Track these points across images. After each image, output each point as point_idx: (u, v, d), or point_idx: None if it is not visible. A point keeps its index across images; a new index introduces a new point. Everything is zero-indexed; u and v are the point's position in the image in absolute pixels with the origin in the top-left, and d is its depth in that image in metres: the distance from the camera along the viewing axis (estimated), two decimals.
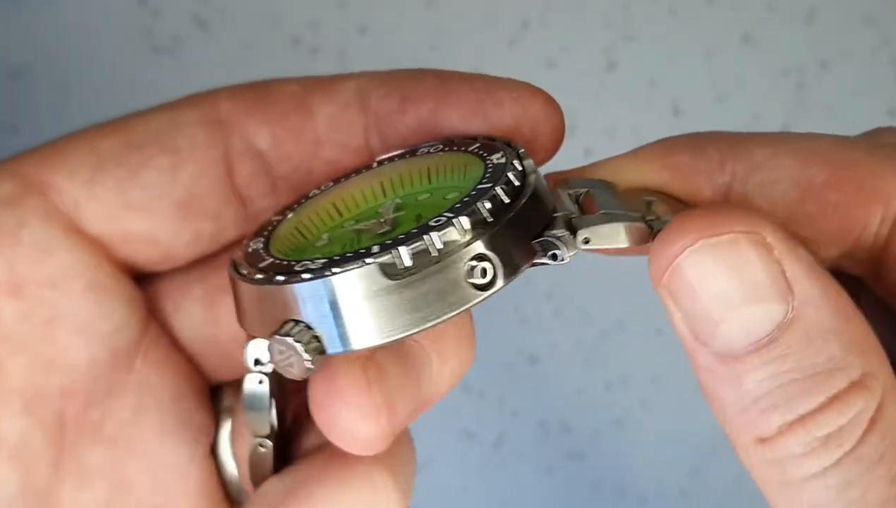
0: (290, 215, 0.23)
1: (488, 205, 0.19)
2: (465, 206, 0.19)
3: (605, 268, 0.51)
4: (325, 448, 0.23)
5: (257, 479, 0.23)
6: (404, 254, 0.18)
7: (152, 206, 0.23)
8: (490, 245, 0.19)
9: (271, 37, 0.50)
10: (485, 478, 0.58)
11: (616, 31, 0.51)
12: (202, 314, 0.25)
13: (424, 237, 0.19)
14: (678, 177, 0.23)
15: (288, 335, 0.19)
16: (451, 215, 0.19)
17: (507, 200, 0.20)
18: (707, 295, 0.19)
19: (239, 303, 0.21)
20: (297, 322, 0.19)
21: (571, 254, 0.20)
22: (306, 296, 0.19)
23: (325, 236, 0.22)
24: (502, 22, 0.50)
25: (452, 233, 0.19)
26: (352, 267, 0.19)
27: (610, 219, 0.20)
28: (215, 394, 0.26)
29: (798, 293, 0.18)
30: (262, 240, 0.22)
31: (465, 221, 0.19)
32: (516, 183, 0.20)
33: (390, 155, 0.24)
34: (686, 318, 0.19)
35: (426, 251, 0.19)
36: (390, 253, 0.19)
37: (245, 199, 0.24)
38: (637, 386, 0.57)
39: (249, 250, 0.21)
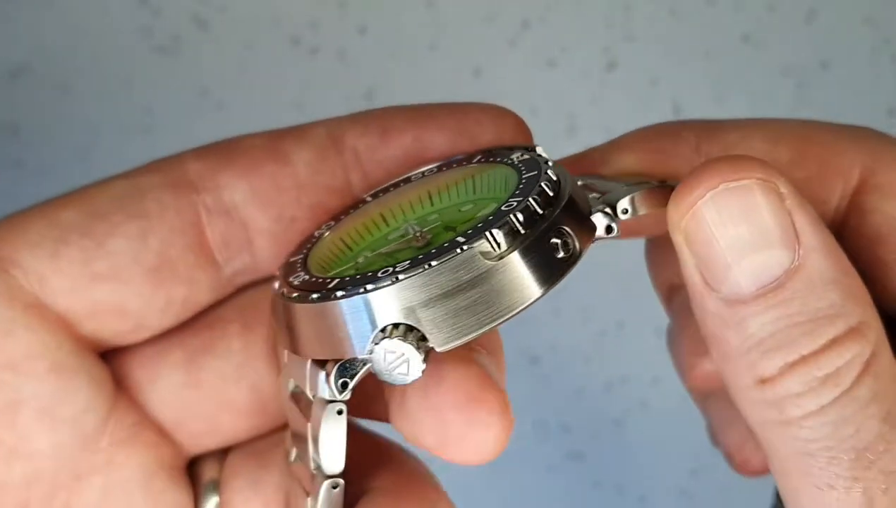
0: (308, 253, 0.22)
1: (549, 185, 0.20)
2: (526, 191, 0.20)
3: (605, 269, 0.51)
4: (379, 488, 0.22)
5: None
6: (498, 235, 0.19)
7: (122, 275, 0.23)
8: (565, 221, 0.20)
9: (271, 37, 0.50)
10: (485, 478, 0.58)
11: (616, 31, 0.51)
12: (182, 378, 0.24)
13: (508, 218, 0.19)
14: (659, 160, 0.25)
15: (395, 338, 0.18)
16: (519, 198, 0.20)
17: (557, 181, 0.20)
18: (722, 239, 0.20)
19: (301, 331, 0.20)
20: (395, 325, 0.18)
21: (618, 226, 0.21)
22: (405, 295, 0.18)
23: (355, 263, 0.22)
24: (502, 22, 0.50)
25: (530, 212, 0.19)
26: (449, 256, 0.18)
27: (634, 189, 0.21)
28: (194, 468, 0.25)
29: (804, 242, 0.20)
30: (304, 273, 0.21)
31: (538, 199, 0.19)
32: (554, 167, 0.21)
33: (384, 186, 0.24)
34: (699, 263, 0.20)
35: (515, 231, 0.19)
36: (482, 236, 0.19)
37: (219, 261, 0.24)
38: (637, 386, 0.57)
39: (296, 282, 0.21)
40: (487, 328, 0.19)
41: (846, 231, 0.23)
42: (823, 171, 0.24)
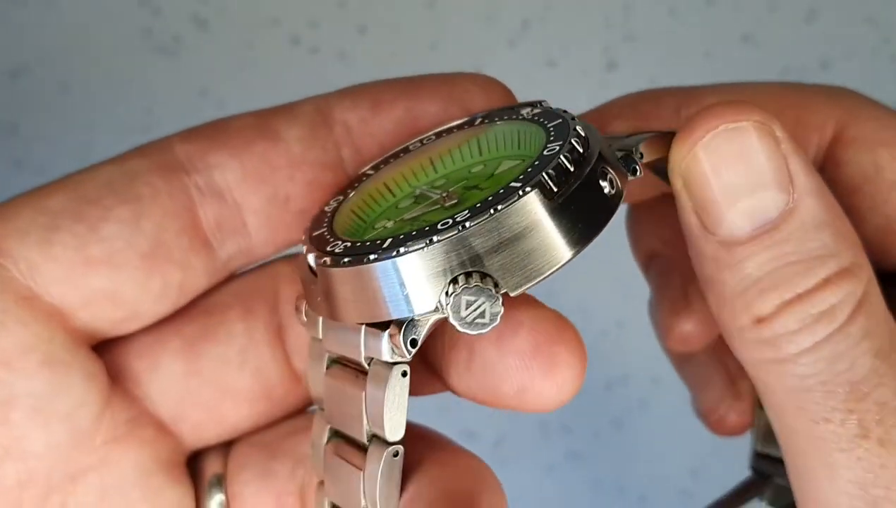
0: (331, 225, 0.22)
1: (581, 131, 0.20)
2: (560, 136, 0.20)
3: (604, 268, 0.51)
4: (431, 459, 0.22)
5: (392, 493, 0.21)
6: (553, 176, 0.19)
7: (116, 260, 0.22)
8: (604, 161, 0.20)
9: (271, 37, 0.50)
10: None
11: (616, 31, 0.51)
12: (183, 366, 0.24)
13: (558, 160, 0.19)
14: (643, 124, 0.25)
15: (473, 286, 0.18)
16: (559, 142, 0.20)
17: (584, 126, 0.21)
18: (718, 182, 0.20)
19: (354, 297, 0.20)
20: (467, 274, 0.18)
21: (640, 168, 0.21)
22: (474, 243, 0.18)
23: (383, 228, 0.22)
24: (502, 22, 0.51)
25: (576, 153, 0.20)
26: (512, 200, 0.19)
27: (639, 138, 0.21)
28: (195, 464, 0.24)
29: (798, 186, 0.20)
30: (342, 241, 0.21)
31: (578, 140, 0.20)
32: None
33: (384, 158, 0.24)
34: (696, 206, 0.21)
35: (567, 171, 0.19)
36: (538, 178, 0.19)
37: (213, 244, 0.23)
38: (637, 385, 0.57)
39: (338, 250, 0.20)
40: (557, 267, 0.19)
41: None
42: (800, 127, 0.24)
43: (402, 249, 0.19)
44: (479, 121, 0.23)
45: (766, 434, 0.31)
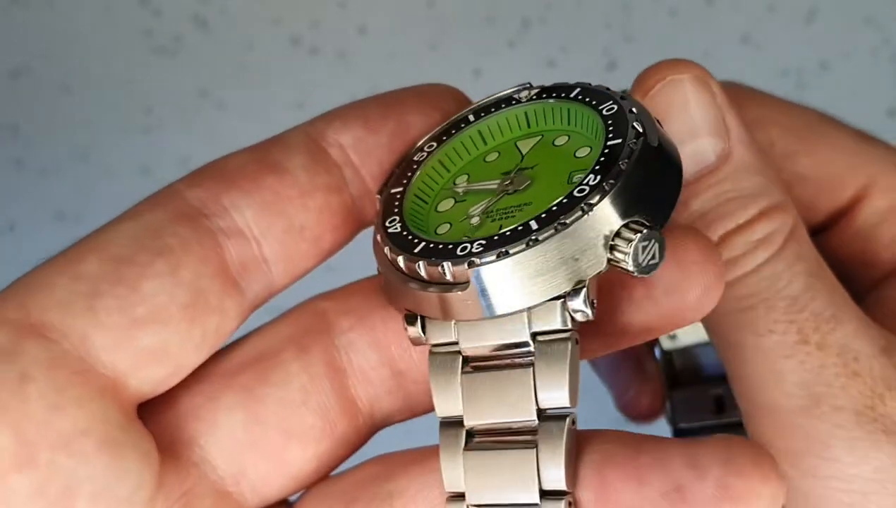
0: (422, 239, 0.22)
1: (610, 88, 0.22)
2: (601, 99, 0.22)
3: None
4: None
5: (572, 462, 0.21)
6: (639, 125, 0.21)
7: (162, 316, 0.21)
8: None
9: (271, 37, 0.50)
10: None
11: (616, 31, 0.51)
12: (244, 416, 0.23)
13: (633, 125, 0.21)
14: None
15: (644, 230, 0.20)
16: (611, 102, 0.22)
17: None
18: (666, 128, 0.22)
19: (524, 279, 0.20)
20: (625, 225, 0.20)
21: None
22: (620, 199, 0.20)
23: (468, 228, 0.23)
24: (502, 22, 0.51)
25: (635, 110, 0.21)
26: (627, 155, 0.20)
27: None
28: None
29: (732, 136, 0.23)
30: (468, 241, 0.21)
31: (626, 95, 0.22)
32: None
33: (394, 176, 0.24)
34: None
35: (640, 122, 0.21)
36: (630, 132, 0.21)
37: (241, 284, 0.23)
38: None
39: (476, 250, 0.21)
40: (679, 194, 0.21)
41: None
42: None
43: (559, 222, 0.20)
44: (472, 118, 0.24)
45: (681, 410, 0.32)
